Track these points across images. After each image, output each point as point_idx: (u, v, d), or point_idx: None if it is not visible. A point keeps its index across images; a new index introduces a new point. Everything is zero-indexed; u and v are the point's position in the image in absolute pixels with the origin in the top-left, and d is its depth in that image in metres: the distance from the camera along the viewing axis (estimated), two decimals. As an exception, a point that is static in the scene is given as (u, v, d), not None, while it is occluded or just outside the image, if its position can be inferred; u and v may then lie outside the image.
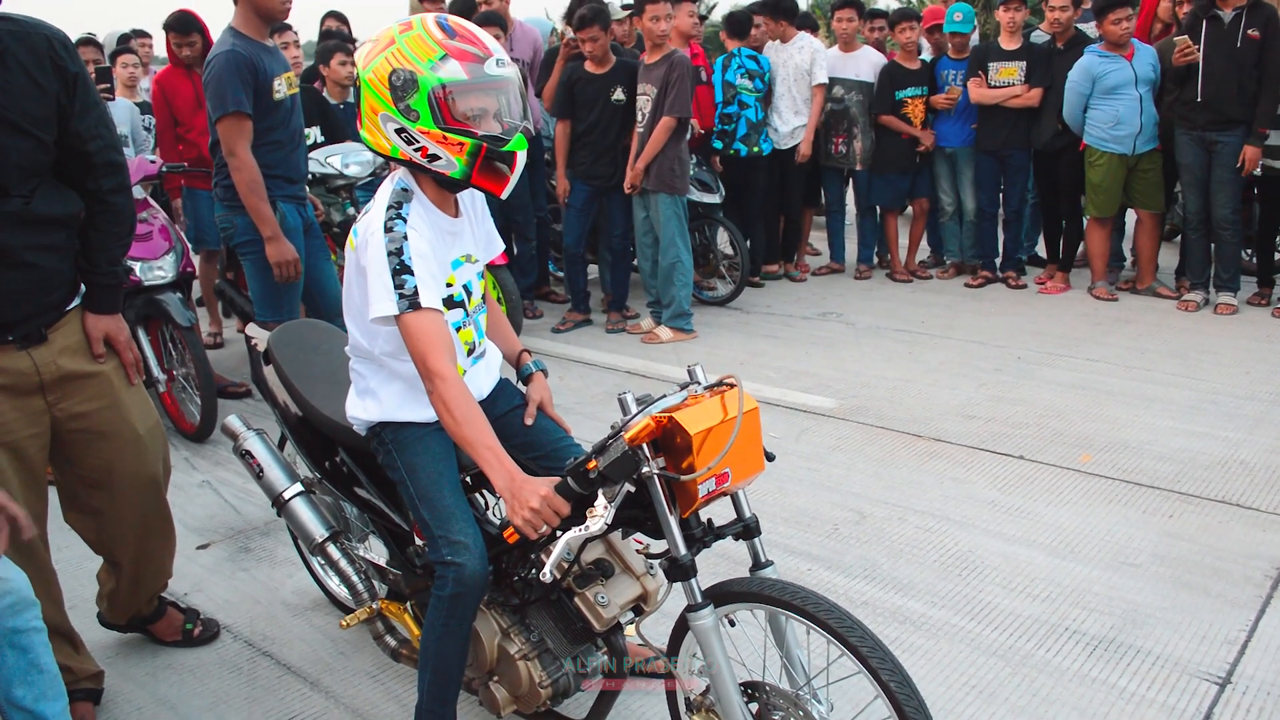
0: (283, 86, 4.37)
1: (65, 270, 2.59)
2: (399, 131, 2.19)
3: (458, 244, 2.37)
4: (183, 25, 5.99)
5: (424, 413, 2.39)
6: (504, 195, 2.30)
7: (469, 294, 2.40)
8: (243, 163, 4.20)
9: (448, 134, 2.17)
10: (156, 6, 6.13)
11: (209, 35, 6.03)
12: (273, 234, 4.32)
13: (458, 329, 2.37)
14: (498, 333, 2.67)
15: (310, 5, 4.42)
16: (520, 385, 2.66)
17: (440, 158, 2.20)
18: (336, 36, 7.30)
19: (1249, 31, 6.13)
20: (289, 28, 6.49)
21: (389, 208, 2.22)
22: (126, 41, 7.99)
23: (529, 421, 2.55)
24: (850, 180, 8.07)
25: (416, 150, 2.20)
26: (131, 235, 2.76)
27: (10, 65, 2.33)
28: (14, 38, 2.36)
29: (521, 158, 2.25)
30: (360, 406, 2.48)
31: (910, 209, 8.24)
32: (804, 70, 7.43)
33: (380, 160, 5.98)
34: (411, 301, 2.14)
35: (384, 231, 2.18)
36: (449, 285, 2.32)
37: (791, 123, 7.53)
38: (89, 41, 7.62)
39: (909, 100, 7.49)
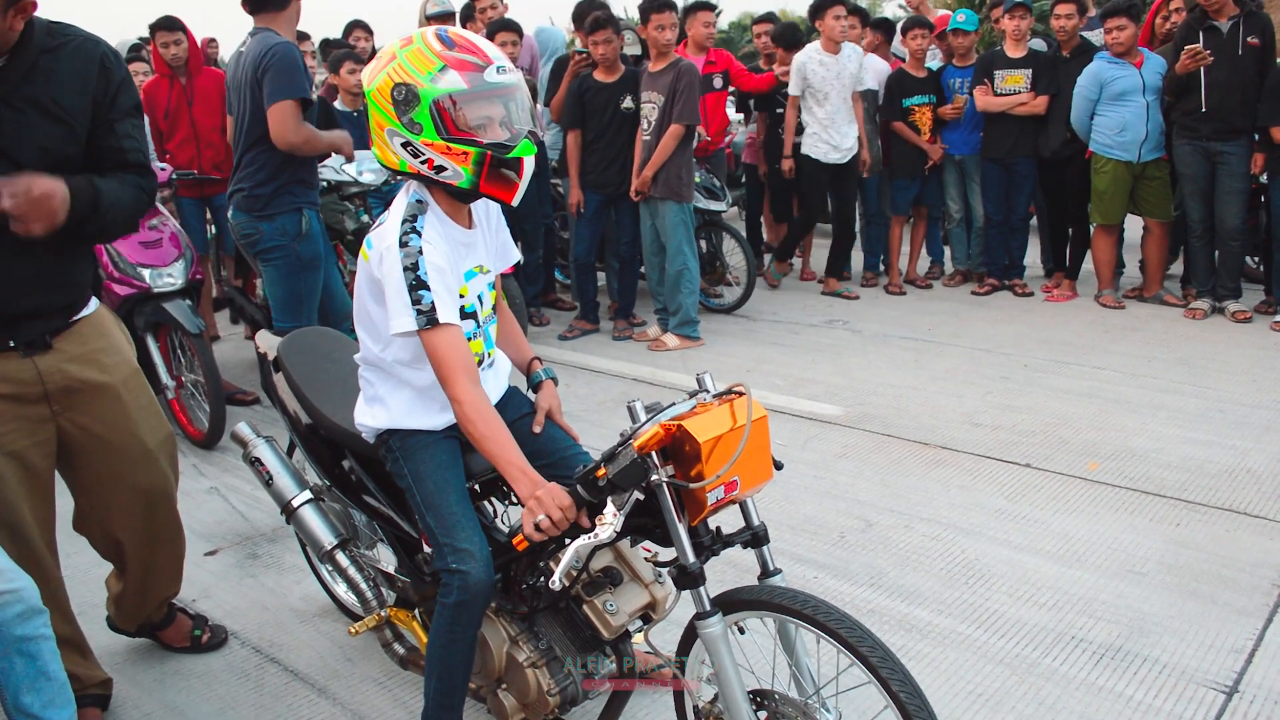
0: (313, 91, 4.57)
1: (74, 274, 2.58)
2: (405, 145, 2.21)
3: (471, 255, 2.38)
4: (170, 23, 6.11)
5: (431, 420, 2.40)
6: (514, 202, 2.30)
7: (480, 305, 2.42)
8: (305, 135, 4.34)
9: (451, 144, 2.18)
10: (158, 13, 6.22)
11: (193, 40, 6.14)
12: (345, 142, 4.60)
13: (470, 339, 2.38)
14: (509, 341, 2.68)
15: (326, 17, 4.54)
16: (530, 393, 2.67)
17: (446, 169, 2.21)
18: (345, 46, 7.38)
19: (1248, 39, 6.14)
20: (306, 36, 6.57)
21: (403, 221, 2.23)
22: (137, 50, 8.05)
23: (537, 429, 2.56)
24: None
25: (423, 163, 2.21)
26: (133, 225, 2.66)
27: (62, 59, 2.40)
28: (78, 40, 2.48)
29: (529, 163, 2.26)
30: (368, 414, 2.49)
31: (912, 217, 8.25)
32: (857, 78, 7.26)
33: None
34: (430, 318, 2.17)
35: (399, 246, 2.20)
36: (462, 296, 2.33)
37: (850, 135, 7.30)
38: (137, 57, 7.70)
39: (916, 108, 7.50)
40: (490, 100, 2.21)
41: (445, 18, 7.37)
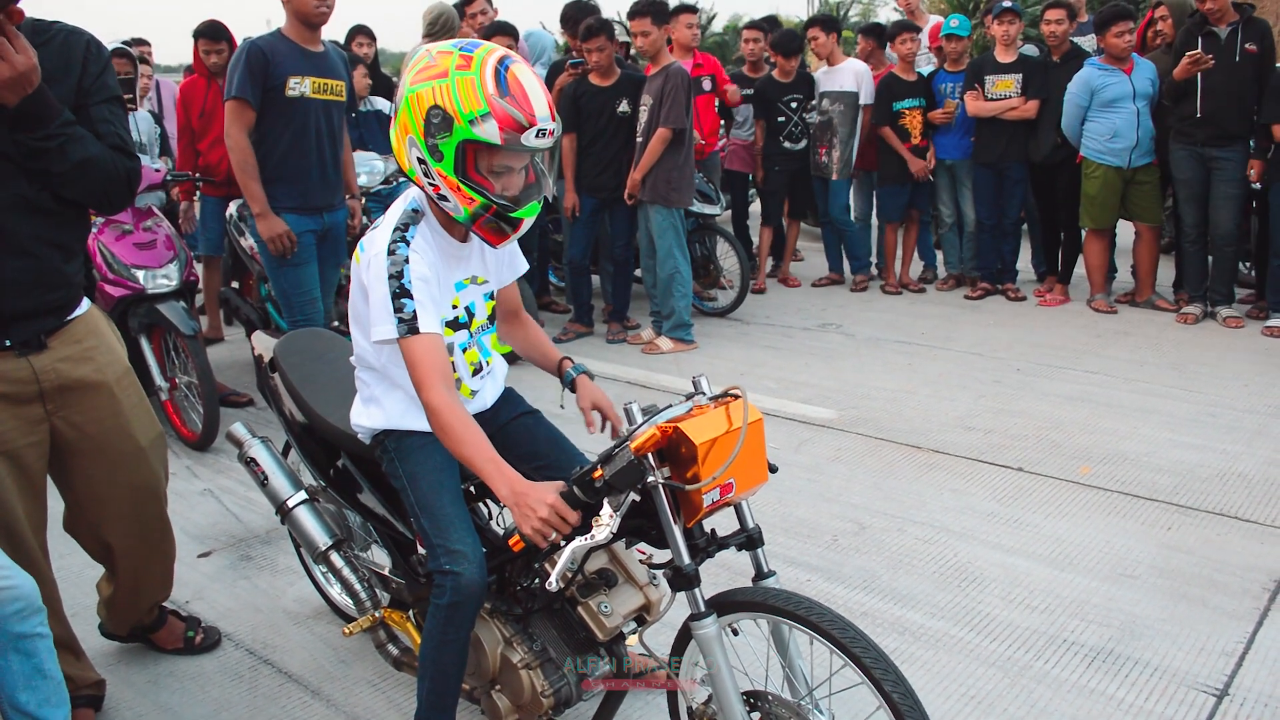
0: (301, 86, 4.57)
1: (69, 273, 2.57)
2: (420, 161, 2.20)
3: (463, 267, 2.38)
4: (214, 32, 6.18)
5: (426, 422, 2.40)
6: (498, 248, 2.35)
7: (472, 315, 2.42)
8: (236, 144, 4.57)
9: (463, 185, 2.18)
10: (152, 13, 6.22)
11: (235, 45, 6.16)
12: (261, 210, 4.60)
13: (462, 350, 2.39)
14: (534, 347, 2.68)
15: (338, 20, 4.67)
16: (569, 392, 2.62)
17: (449, 200, 2.21)
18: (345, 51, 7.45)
19: (1246, 46, 6.18)
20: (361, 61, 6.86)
21: (395, 229, 2.24)
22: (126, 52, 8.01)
23: (593, 431, 2.52)
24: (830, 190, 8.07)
25: (430, 184, 2.22)
26: (104, 186, 2.51)
27: (48, 54, 2.39)
28: (63, 34, 2.50)
29: (528, 223, 2.27)
30: (364, 414, 2.50)
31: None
32: None
33: (391, 169, 6.04)
34: (410, 326, 2.17)
35: (386, 254, 2.20)
36: (453, 307, 2.34)
37: None
38: (120, 53, 7.66)
39: (906, 112, 7.53)
40: (519, 154, 2.20)
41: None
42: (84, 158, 2.41)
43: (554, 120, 2.17)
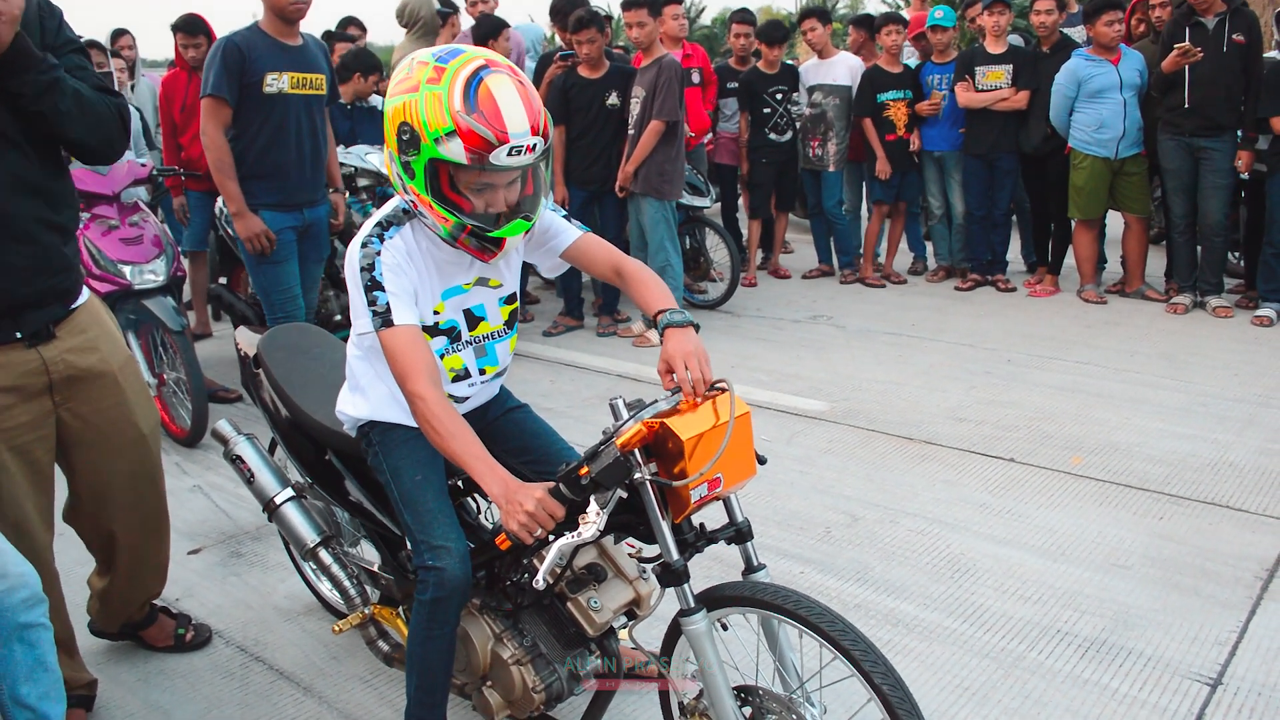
0: (279, 82, 4.52)
1: (68, 254, 2.56)
2: (399, 176, 2.16)
3: (461, 272, 2.32)
4: (190, 26, 6.12)
5: (410, 416, 2.38)
6: (490, 263, 2.28)
7: (480, 319, 2.38)
8: (212, 142, 4.53)
9: (434, 204, 2.12)
10: (140, 7, 6.21)
11: (214, 39, 6.13)
12: (238, 209, 4.58)
13: (440, 356, 2.32)
14: (637, 299, 2.38)
15: (318, 10, 4.64)
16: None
17: (427, 218, 2.17)
18: (342, 40, 7.43)
19: (1234, 36, 6.18)
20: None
21: (377, 224, 2.22)
22: (111, 41, 7.97)
23: (668, 389, 2.17)
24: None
25: (409, 201, 2.17)
26: (103, 127, 2.46)
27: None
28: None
29: (512, 242, 2.21)
30: (350, 402, 2.48)
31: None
32: None
33: None
34: (384, 319, 2.14)
35: (360, 247, 2.18)
36: (436, 313, 2.30)
37: None
38: (93, 44, 7.61)
39: (890, 103, 7.52)
40: (498, 172, 2.10)
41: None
42: (76, 91, 2.36)
43: (537, 134, 2.06)
